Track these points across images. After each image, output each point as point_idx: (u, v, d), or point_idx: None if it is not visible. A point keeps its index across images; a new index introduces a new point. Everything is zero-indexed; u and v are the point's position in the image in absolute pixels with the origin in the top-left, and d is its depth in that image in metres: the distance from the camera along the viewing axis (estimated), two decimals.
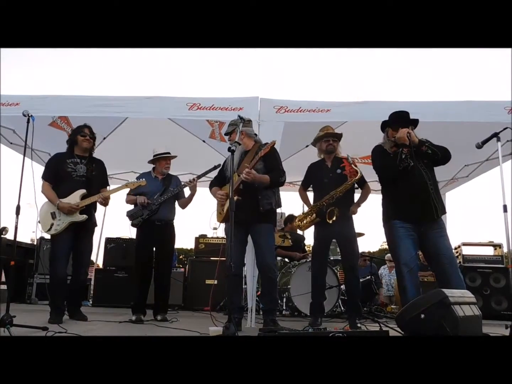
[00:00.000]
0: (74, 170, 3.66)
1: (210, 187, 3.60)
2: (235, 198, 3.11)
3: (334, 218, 3.54)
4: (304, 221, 3.77)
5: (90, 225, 3.76)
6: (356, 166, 3.68)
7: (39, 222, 3.61)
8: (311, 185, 3.99)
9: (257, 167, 3.31)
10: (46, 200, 3.63)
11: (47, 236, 5.66)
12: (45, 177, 3.69)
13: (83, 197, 3.62)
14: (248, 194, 3.22)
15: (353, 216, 3.75)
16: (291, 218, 5.65)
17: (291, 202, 5.61)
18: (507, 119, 3.76)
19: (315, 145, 3.92)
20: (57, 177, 3.66)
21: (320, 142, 3.81)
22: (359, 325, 3.54)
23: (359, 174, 3.59)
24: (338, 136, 3.81)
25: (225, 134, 3.57)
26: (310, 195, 3.99)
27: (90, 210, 3.68)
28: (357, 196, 3.89)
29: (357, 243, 3.77)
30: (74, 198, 3.59)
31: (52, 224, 3.57)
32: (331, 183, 3.65)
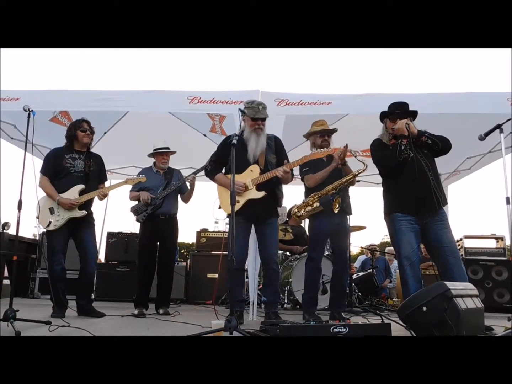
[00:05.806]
0: (72, 165, 3.62)
1: (211, 173, 3.41)
2: (263, 194, 3.13)
3: (338, 207, 3.50)
4: (305, 210, 3.63)
5: (88, 219, 3.71)
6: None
7: (37, 217, 3.55)
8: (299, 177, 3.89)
9: (271, 160, 3.30)
10: (43, 195, 3.58)
11: None
12: (43, 171, 3.63)
13: (81, 193, 3.59)
14: (266, 188, 3.20)
15: (354, 210, 3.79)
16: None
17: (294, 196, 5.56)
18: (510, 111, 3.72)
19: (308, 138, 3.86)
20: (55, 172, 3.62)
21: (315, 136, 3.76)
22: (346, 316, 3.57)
23: (364, 165, 3.50)
24: (333, 132, 3.79)
25: (261, 119, 3.24)
26: (297, 188, 3.92)
27: (87, 205, 3.65)
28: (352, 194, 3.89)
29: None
30: (73, 193, 3.57)
31: (50, 220, 3.54)
32: (330, 176, 3.60)
